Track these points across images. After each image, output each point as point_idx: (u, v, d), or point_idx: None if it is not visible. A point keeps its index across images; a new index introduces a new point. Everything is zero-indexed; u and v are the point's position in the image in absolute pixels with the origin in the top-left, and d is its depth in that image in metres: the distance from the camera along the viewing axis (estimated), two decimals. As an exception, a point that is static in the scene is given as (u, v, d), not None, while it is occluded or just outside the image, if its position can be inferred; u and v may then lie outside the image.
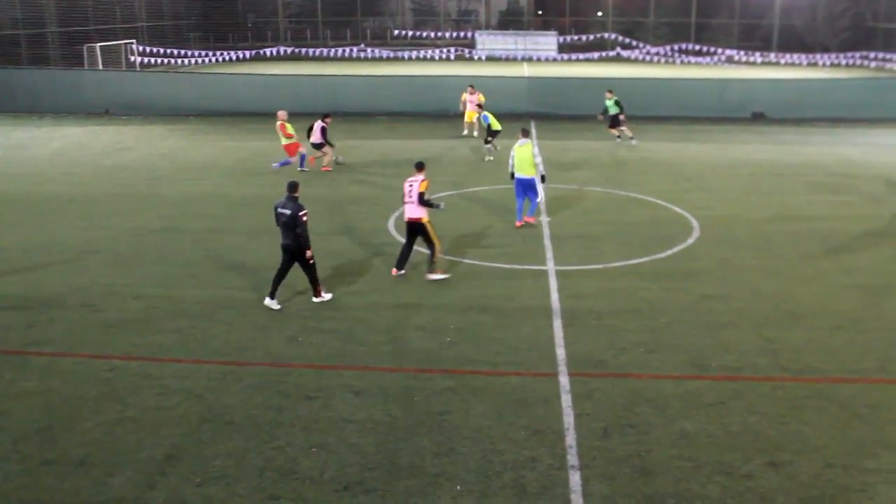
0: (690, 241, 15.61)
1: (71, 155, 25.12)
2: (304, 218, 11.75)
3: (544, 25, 67.79)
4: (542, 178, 16.25)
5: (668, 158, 24.16)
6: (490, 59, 58.87)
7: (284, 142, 21.89)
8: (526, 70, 49.35)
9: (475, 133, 27.49)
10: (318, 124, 21.94)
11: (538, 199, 16.30)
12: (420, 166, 13.42)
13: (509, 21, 70.24)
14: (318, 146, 22.12)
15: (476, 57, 59.14)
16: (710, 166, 23.02)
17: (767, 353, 10.67)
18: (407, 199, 13.16)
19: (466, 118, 27.58)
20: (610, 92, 26.30)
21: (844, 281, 13.50)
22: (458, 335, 11.20)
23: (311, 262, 12.05)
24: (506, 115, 30.69)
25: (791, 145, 26.65)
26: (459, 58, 58.51)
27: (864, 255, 14.83)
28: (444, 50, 59.15)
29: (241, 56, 54.44)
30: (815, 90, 33.60)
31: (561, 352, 10.65)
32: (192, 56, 52.91)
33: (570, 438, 8.58)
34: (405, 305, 12.29)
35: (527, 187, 16.05)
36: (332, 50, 58.48)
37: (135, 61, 51.44)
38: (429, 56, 57.83)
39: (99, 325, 11.58)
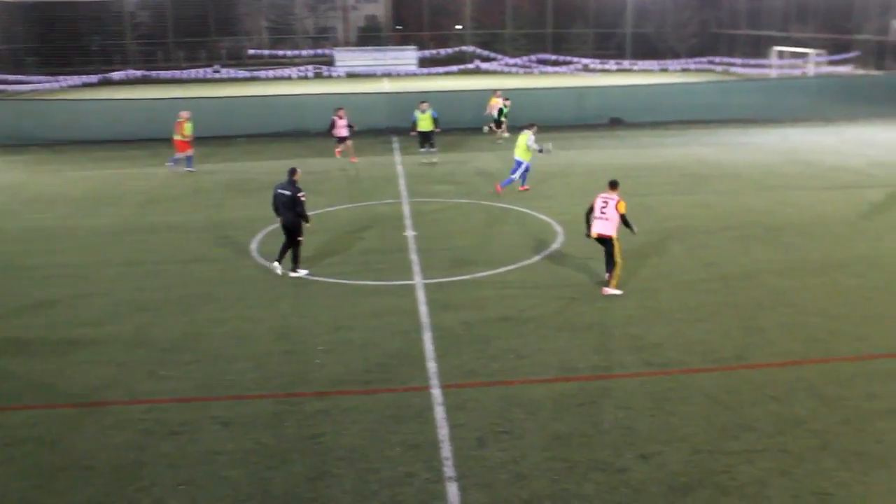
0: (555, 246, 15.92)
1: None
2: (303, 199, 13.72)
3: (403, 40, 68.06)
4: (540, 150, 20.32)
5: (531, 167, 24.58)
6: (350, 75, 58.56)
7: (177, 138, 24.42)
8: (386, 86, 49.47)
9: (487, 130, 30.82)
10: (340, 120, 25.10)
11: (513, 177, 20.53)
12: (614, 185, 13.41)
13: (368, 37, 70.09)
14: (342, 139, 25.20)
15: (335, 74, 58.68)
16: (572, 172, 23.63)
17: (633, 350, 10.98)
18: (598, 214, 13.21)
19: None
20: (507, 99, 29.83)
21: (702, 275, 14.10)
22: (328, 356, 10.97)
23: (300, 240, 14.00)
24: (367, 131, 30.71)
25: (647, 148, 27.72)
26: (318, 76, 57.89)
27: (719, 249, 15.54)
28: (303, 68, 58.35)
29: (86, 81, 51.87)
30: (667, 94, 35.12)
31: (432, 365, 10.60)
32: (31, 82, 50.10)
33: (446, 450, 8.53)
34: (270, 331, 11.94)
35: (516, 163, 20.38)
36: (186, 71, 56.71)
37: (-34, 90, 48.11)
38: (287, 75, 56.98)
39: (-65, 376, 10.66)
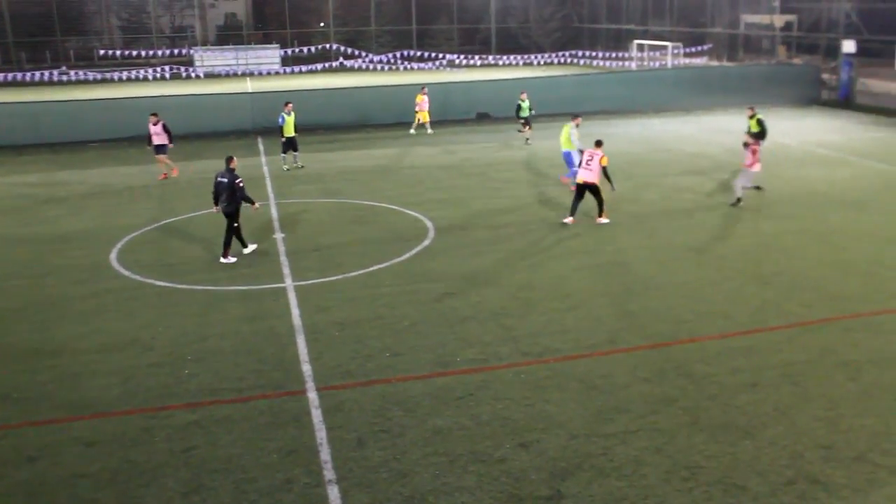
0: (426, 242, 15.91)
1: None
2: (241, 184, 14.45)
3: (265, 39, 66.62)
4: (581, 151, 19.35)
5: (398, 164, 24.59)
6: (210, 76, 56.81)
7: None
8: (249, 85, 48.29)
9: (429, 130, 30.43)
10: (153, 126, 22.95)
11: (574, 169, 19.18)
12: (599, 143, 17.01)
13: (228, 36, 68.11)
14: (161, 148, 23.04)
15: (194, 75, 56.75)
16: (441, 168, 23.71)
17: (508, 341, 11.07)
18: (585, 166, 16.56)
19: (420, 118, 30.54)
20: (523, 93, 28.46)
21: (572, 264, 14.40)
22: (198, 366, 10.54)
23: (237, 226, 14.65)
24: (230, 132, 29.88)
25: (514, 141, 28.05)
26: (176, 76, 55.77)
27: (588, 238, 15.93)
28: (160, 69, 56.09)
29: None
30: (532, 88, 35.56)
31: (307, 368, 10.37)
32: None
33: (325, 454, 8.35)
34: (135, 343, 11.37)
35: (565, 157, 20.36)
36: (30, 74, 53.40)
37: None
38: (142, 77, 54.64)
39: None
